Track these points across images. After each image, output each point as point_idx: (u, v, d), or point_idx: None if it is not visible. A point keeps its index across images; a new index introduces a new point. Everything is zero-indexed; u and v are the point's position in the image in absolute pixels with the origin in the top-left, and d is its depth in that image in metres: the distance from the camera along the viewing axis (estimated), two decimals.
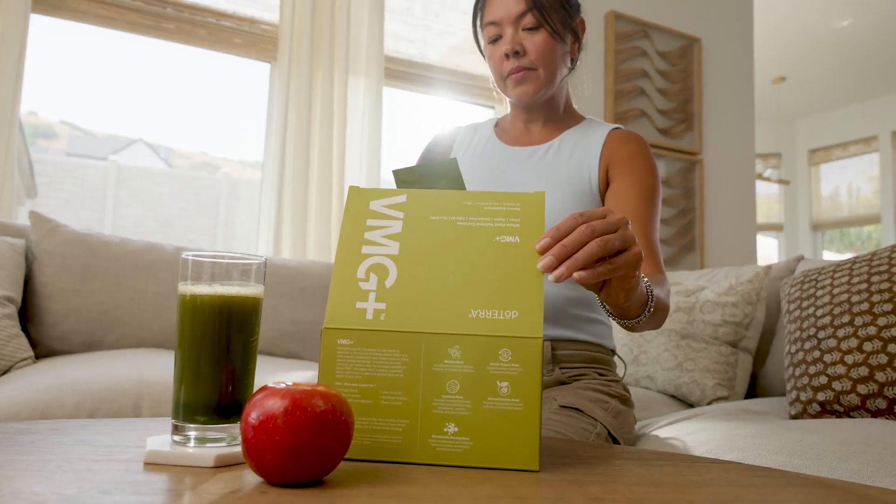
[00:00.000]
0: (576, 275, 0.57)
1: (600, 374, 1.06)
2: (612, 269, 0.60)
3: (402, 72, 2.54)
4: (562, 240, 0.58)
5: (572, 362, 1.05)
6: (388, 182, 2.63)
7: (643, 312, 0.78)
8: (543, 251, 0.58)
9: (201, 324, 0.56)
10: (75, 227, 1.62)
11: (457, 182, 0.75)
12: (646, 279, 0.79)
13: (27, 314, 1.51)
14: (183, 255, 0.58)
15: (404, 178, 0.77)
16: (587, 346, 1.06)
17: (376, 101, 2.28)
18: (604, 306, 0.76)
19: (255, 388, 0.74)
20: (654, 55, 2.95)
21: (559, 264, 0.57)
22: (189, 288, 0.57)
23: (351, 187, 0.66)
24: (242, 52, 2.29)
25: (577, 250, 0.58)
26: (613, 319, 0.80)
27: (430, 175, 0.75)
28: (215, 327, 0.56)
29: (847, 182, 6.68)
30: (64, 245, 1.55)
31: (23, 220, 2.24)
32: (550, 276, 0.57)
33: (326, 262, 1.96)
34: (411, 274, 0.59)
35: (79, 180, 7.94)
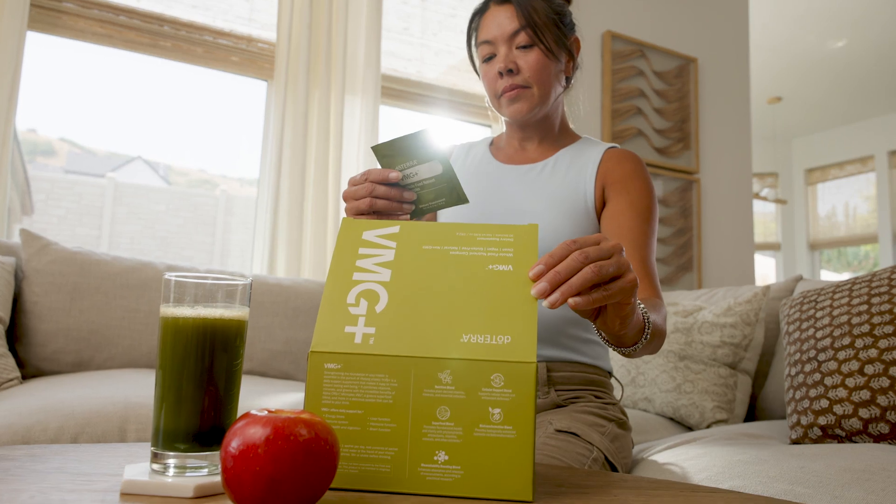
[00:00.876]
0: (571, 301, 0.56)
1: (597, 397, 1.04)
2: (608, 296, 0.58)
3: (399, 90, 2.54)
4: (555, 266, 0.57)
5: (568, 384, 1.02)
6: None
7: (640, 339, 0.76)
8: (537, 278, 0.57)
9: (183, 348, 0.54)
10: (71, 245, 1.60)
11: (434, 150, 0.76)
12: (642, 305, 0.77)
13: (15, 333, 1.48)
14: (165, 276, 0.56)
15: (385, 152, 0.78)
16: (583, 368, 1.04)
17: (373, 120, 2.27)
18: (600, 334, 0.75)
19: (240, 413, 0.72)
20: (650, 75, 2.96)
21: (553, 290, 0.56)
22: (171, 310, 0.55)
23: (344, 219, 0.65)
24: (239, 70, 2.29)
25: (572, 276, 0.56)
26: (610, 347, 0.79)
27: (409, 146, 0.77)
28: (197, 351, 0.55)
29: (844, 201, 6.69)
30: (54, 263, 1.53)
31: (17, 237, 2.22)
32: (545, 303, 0.56)
33: (321, 282, 1.94)
34: (402, 299, 0.58)
35: (76, 197, 7.93)
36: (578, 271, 0.57)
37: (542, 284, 0.56)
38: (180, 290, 0.55)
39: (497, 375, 0.54)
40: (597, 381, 1.05)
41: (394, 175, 0.80)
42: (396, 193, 0.82)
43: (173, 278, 0.56)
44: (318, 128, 2.17)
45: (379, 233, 0.63)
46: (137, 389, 1.17)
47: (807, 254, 6.90)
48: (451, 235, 0.62)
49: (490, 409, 0.54)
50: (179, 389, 0.54)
